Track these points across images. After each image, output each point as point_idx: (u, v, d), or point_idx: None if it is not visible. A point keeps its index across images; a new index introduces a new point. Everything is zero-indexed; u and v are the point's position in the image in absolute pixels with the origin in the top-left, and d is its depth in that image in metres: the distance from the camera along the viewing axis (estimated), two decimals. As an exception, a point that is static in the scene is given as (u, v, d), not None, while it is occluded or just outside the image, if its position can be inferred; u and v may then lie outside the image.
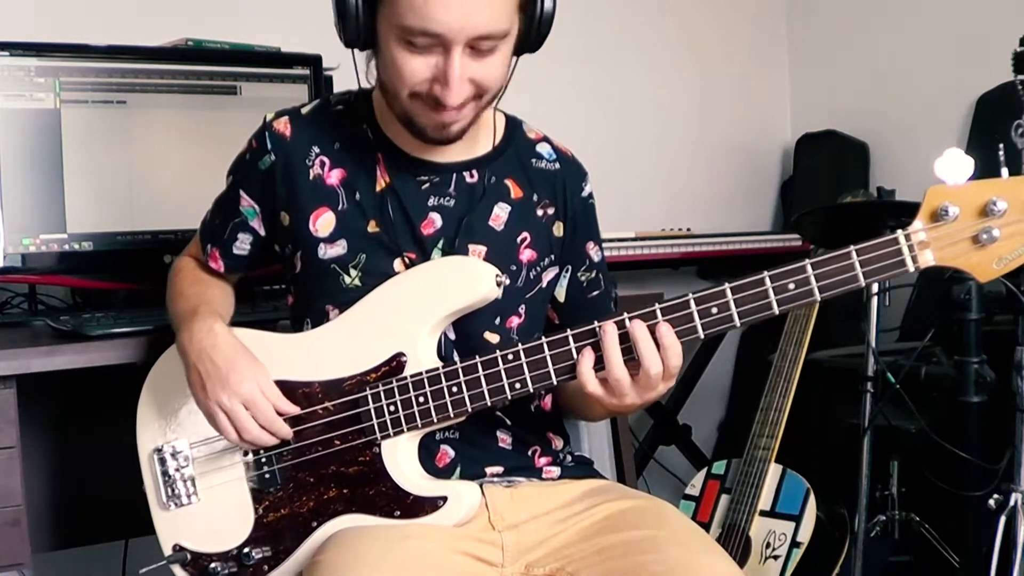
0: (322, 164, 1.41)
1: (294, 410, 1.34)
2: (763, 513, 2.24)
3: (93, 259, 1.84)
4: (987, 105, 2.84)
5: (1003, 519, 1.90)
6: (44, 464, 1.89)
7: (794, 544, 2.16)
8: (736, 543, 2.23)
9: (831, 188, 2.93)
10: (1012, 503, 1.90)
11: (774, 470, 2.27)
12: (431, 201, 1.40)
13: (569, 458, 1.50)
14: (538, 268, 1.45)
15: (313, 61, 2.01)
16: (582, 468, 1.49)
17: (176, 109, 1.89)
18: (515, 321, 1.43)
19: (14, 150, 1.76)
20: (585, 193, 1.51)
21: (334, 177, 1.41)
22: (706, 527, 2.29)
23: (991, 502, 1.93)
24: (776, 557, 2.17)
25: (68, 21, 2.18)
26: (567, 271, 1.50)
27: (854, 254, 1.19)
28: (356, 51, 1.38)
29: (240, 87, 1.94)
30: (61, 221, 1.80)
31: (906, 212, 2.08)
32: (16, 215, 1.76)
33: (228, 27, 2.14)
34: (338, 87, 2.03)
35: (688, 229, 2.94)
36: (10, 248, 1.76)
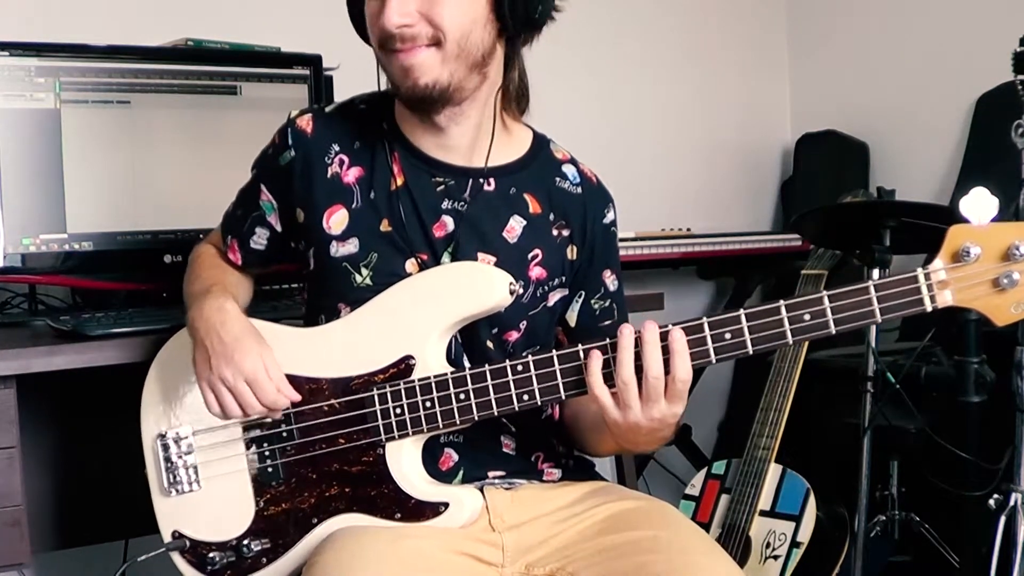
0: (341, 162, 1.41)
1: (295, 396, 1.33)
2: (763, 513, 2.24)
3: (93, 259, 1.83)
4: (987, 105, 2.84)
5: (1003, 519, 1.90)
6: (44, 464, 1.88)
7: (794, 544, 2.16)
8: (736, 543, 2.23)
9: (831, 188, 2.93)
10: (1012, 503, 1.90)
11: (774, 470, 2.27)
12: (445, 204, 1.40)
13: (571, 461, 1.49)
14: (546, 287, 1.44)
15: (313, 61, 2.00)
16: (583, 470, 1.49)
17: (176, 109, 1.89)
18: (514, 336, 1.42)
19: (14, 150, 1.75)
20: (607, 220, 1.49)
21: (351, 175, 1.41)
22: (706, 527, 2.29)
23: (991, 502, 1.93)
24: (776, 557, 2.17)
25: (68, 21, 2.18)
26: (580, 297, 1.48)
27: (872, 289, 1.19)
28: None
29: (240, 87, 1.94)
30: (61, 221, 1.80)
31: (906, 212, 2.11)
32: (16, 215, 1.76)
33: (228, 27, 2.14)
34: (338, 87, 2.03)
35: (688, 229, 2.94)
36: (10, 248, 1.76)
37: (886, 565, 2.43)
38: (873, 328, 2.23)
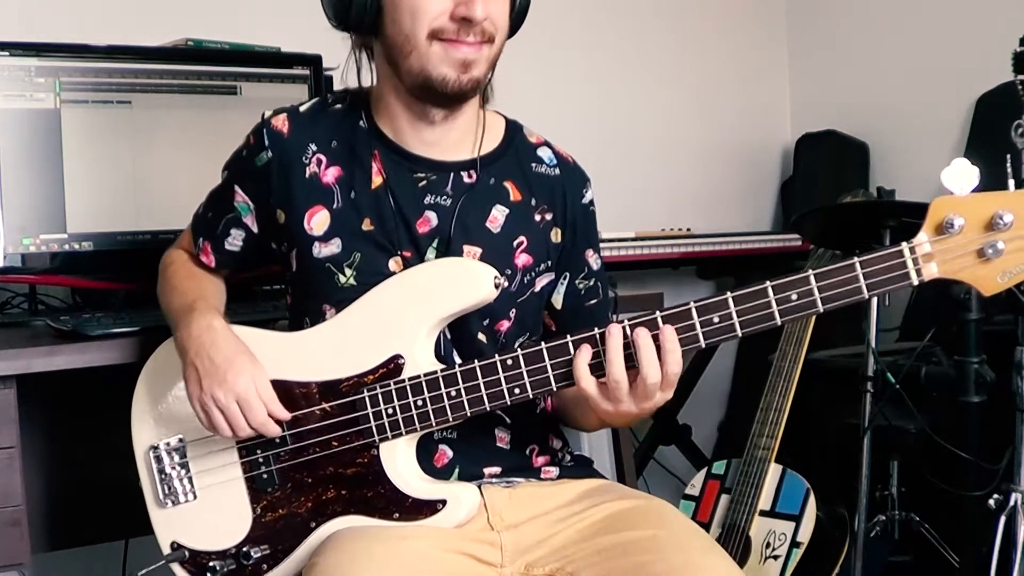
0: (319, 162, 1.41)
1: (285, 415, 1.33)
2: (763, 513, 2.24)
3: (93, 259, 1.84)
4: (987, 105, 2.84)
5: (1003, 519, 1.90)
6: (44, 464, 1.89)
7: (794, 544, 2.16)
8: (736, 543, 2.23)
9: (831, 188, 2.93)
10: (1012, 503, 1.90)
11: (774, 470, 2.26)
12: (427, 199, 1.40)
13: (568, 458, 1.50)
14: (532, 273, 1.44)
15: (313, 61, 2.01)
16: (581, 468, 1.49)
17: (176, 109, 1.89)
18: (505, 325, 1.42)
19: (14, 150, 1.76)
20: (586, 200, 1.50)
21: (330, 175, 1.41)
22: (706, 527, 2.29)
23: (991, 502, 1.93)
24: (776, 557, 2.17)
25: (68, 21, 2.18)
26: (565, 278, 1.49)
27: (858, 265, 1.19)
28: (353, 48, 1.41)
29: (240, 87, 1.94)
30: (61, 221, 1.80)
31: (906, 212, 2.11)
32: (16, 215, 1.76)
33: (228, 27, 2.14)
34: (338, 87, 2.03)
35: (688, 229, 2.94)
36: (10, 248, 1.76)
37: (886, 565, 2.43)
38: (873, 328, 2.23)
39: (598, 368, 1.24)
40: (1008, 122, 1.88)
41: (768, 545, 2.20)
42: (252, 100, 1.94)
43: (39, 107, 1.78)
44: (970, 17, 2.93)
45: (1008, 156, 1.67)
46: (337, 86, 1.47)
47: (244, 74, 1.95)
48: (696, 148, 3.32)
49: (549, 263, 1.46)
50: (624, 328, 1.23)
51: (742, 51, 3.41)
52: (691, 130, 3.30)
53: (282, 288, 1.90)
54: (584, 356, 1.24)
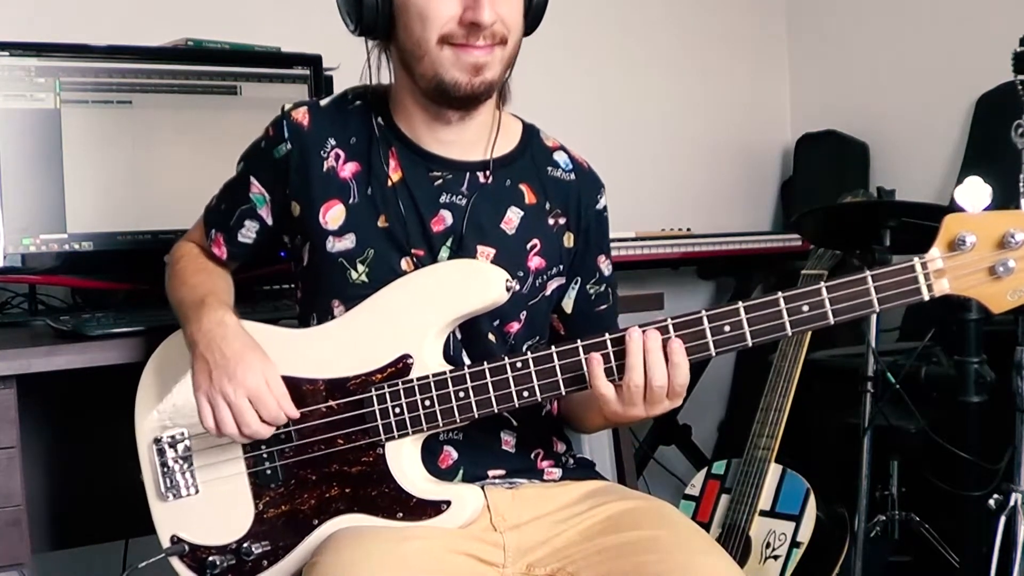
0: (337, 157, 1.41)
1: (295, 413, 1.33)
2: (763, 513, 2.24)
3: (93, 259, 1.83)
4: (987, 105, 2.84)
5: (1003, 519, 1.90)
6: (44, 464, 1.88)
7: (794, 544, 2.16)
8: (736, 543, 2.23)
9: (831, 188, 2.93)
10: (1012, 503, 1.90)
11: (774, 470, 2.26)
12: (443, 198, 1.40)
13: (571, 461, 1.50)
14: (544, 277, 1.45)
15: (313, 61, 2.01)
16: (583, 469, 1.50)
17: (176, 109, 1.89)
18: (515, 327, 1.42)
19: (14, 150, 1.76)
20: (600, 206, 1.50)
21: (347, 170, 1.41)
22: (706, 527, 2.29)
23: (991, 502, 1.93)
24: (776, 557, 2.17)
25: (68, 21, 2.18)
26: (576, 283, 1.49)
27: (870, 279, 1.20)
28: (369, 46, 1.41)
29: (240, 87, 1.94)
30: (61, 221, 1.80)
31: (906, 212, 2.11)
32: (16, 215, 1.76)
33: (228, 27, 2.14)
34: (338, 87, 2.03)
35: (688, 229, 2.94)
36: (10, 248, 1.76)
37: (886, 565, 2.43)
38: (873, 328, 2.23)
39: (610, 372, 1.25)
40: (1008, 122, 1.88)
41: (768, 545, 2.20)
42: (252, 100, 1.95)
43: (39, 107, 1.77)
44: (970, 17, 2.93)
45: (1022, 177, 1.68)
46: (344, 85, 1.47)
47: (244, 74, 1.95)
48: (696, 148, 3.32)
49: (561, 267, 1.46)
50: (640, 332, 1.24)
51: (742, 51, 3.42)
52: (691, 130, 3.30)
53: (285, 288, 1.90)
54: (598, 364, 1.25)
